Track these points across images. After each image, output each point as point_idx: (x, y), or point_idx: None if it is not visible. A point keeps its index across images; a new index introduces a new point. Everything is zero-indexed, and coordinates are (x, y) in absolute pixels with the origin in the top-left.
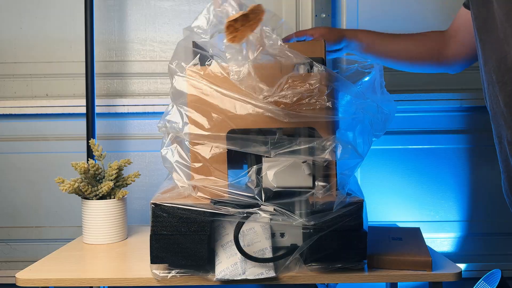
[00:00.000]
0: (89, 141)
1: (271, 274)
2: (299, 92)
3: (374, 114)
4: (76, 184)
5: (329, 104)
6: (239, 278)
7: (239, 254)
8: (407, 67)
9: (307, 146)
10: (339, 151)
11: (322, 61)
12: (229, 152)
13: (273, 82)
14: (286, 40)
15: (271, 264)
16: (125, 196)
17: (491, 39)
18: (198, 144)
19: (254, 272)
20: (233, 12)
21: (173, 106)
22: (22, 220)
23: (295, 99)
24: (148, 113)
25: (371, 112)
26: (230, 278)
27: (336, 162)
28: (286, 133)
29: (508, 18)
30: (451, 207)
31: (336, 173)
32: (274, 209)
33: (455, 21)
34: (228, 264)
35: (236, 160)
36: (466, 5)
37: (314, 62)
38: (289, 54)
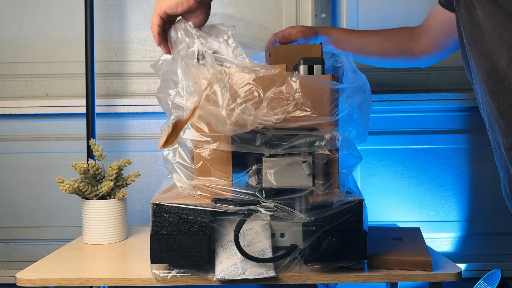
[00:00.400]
0: (89, 141)
1: (271, 274)
2: (282, 110)
3: (358, 99)
4: (76, 184)
5: (311, 113)
6: (239, 278)
7: (239, 254)
8: (377, 62)
9: (307, 140)
10: (339, 141)
11: (322, 61)
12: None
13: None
14: (270, 43)
15: (271, 264)
16: (125, 196)
17: (480, 49)
18: (201, 146)
19: (254, 272)
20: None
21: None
22: (22, 220)
23: (282, 117)
24: (148, 113)
25: (355, 98)
26: (230, 278)
27: (338, 159)
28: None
29: (496, 29)
30: (451, 207)
31: (339, 171)
32: (275, 206)
33: (429, 18)
34: (228, 264)
35: (236, 162)
36: (442, 4)
37: (287, 72)
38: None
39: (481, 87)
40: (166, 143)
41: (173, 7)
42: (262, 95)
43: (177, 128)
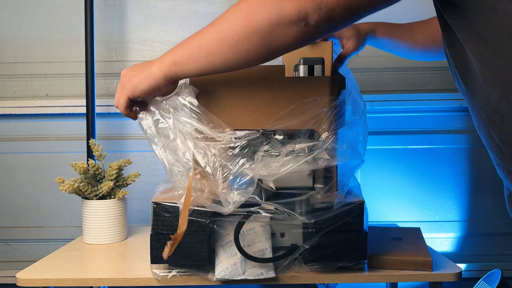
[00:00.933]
0: (89, 141)
1: (271, 274)
2: (275, 167)
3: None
4: (76, 184)
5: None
6: (239, 278)
7: (239, 254)
8: (421, 57)
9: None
10: (338, 152)
11: (322, 61)
12: None
13: None
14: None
15: (271, 264)
16: (125, 196)
17: (472, 79)
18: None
19: (254, 272)
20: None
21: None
22: (22, 220)
23: (276, 170)
24: None
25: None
26: (230, 278)
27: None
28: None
29: (484, 65)
30: (451, 207)
31: (337, 174)
32: (275, 208)
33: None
34: (228, 264)
35: None
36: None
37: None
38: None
39: (479, 113)
40: (171, 253)
41: (150, 92)
42: (253, 159)
43: (177, 238)
